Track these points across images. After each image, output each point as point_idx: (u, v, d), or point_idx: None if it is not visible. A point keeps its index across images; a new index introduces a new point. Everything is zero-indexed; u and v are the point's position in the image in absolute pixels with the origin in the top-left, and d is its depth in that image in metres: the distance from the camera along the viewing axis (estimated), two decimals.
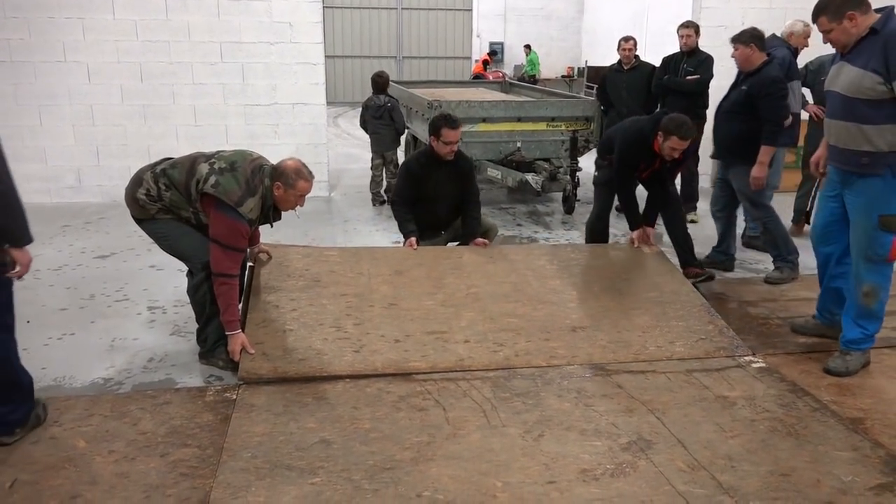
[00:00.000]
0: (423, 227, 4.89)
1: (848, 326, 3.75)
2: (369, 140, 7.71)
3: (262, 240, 4.28)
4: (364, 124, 7.71)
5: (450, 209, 4.99)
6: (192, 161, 3.60)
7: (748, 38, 4.94)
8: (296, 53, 7.60)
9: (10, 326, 2.95)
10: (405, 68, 20.80)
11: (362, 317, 3.95)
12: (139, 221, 3.74)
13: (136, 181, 3.66)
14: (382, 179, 7.73)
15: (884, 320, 3.78)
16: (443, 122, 4.65)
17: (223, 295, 3.54)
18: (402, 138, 8.11)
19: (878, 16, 3.43)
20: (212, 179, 3.46)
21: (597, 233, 5.29)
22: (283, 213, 3.75)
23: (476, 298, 4.20)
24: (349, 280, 4.27)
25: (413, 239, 4.73)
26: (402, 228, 4.85)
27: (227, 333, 3.60)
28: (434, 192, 4.84)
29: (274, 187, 3.57)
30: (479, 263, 4.57)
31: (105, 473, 2.75)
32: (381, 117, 7.48)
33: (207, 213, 3.54)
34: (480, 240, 4.88)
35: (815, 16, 3.55)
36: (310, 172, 3.65)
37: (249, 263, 4.21)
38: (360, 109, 7.79)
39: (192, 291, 3.69)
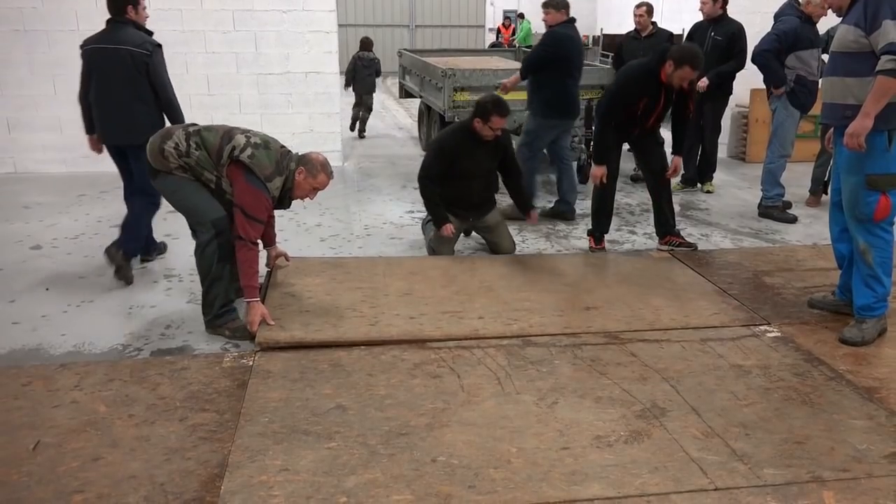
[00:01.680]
0: (452, 202, 4.83)
1: (858, 291, 3.73)
2: (353, 88, 10.02)
3: (280, 242, 4.41)
4: (353, 73, 9.93)
5: (482, 185, 4.94)
6: (228, 129, 3.72)
7: (560, 6, 5.62)
8: (308, 21, 7.53)
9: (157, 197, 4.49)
10: (418, 37, 20.59)
11: (378, 302, 4.02)
12: (154, 175, 3.75)
13: (165, 135, 3.71)
14: (359, 117, 10.13)
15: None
16: (494, 109, 4.56)
17: (246, 260, 3.60)
18: (416, 109, 8.87)
19: None
20: (248, 150, 3.58)
21: (603, 199, 5.15)
22: (293, 200, 3.85)
23: (490, 289, 4.26)
24: (365, 278, 4.39)
25: (449, 225, 4.74)
26: (434, 213, 4.81)
27: (246, 300, 3.64)
28: (469, 168, 4.78)
29: (297, 171, 3.71)
30: (493, 266, 4.68)
31: (126, 437, 2.80)
32: (368, 67, 10.00)
33: (233, 180, 3.62)
34: (535, 214, 5.07)
35: None
36: (332, 171, 3.84)
37: (268, 269, 4.37)
38: (350, 62, 9.99)
39: (200, 250, 3.70)
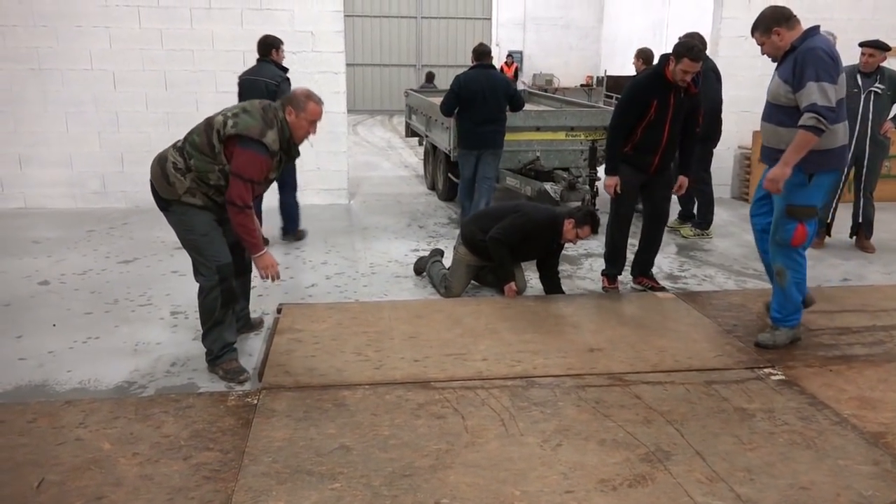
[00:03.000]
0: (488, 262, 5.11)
1: (774, 305, 4.19)
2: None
3: (287, 279, 4.39)
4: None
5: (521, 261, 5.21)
6: (206, 121, 3.68)
7: (477, 52, 6.66)
8: (317, 62, 7.69)
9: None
10: (424, 77, 20.88)
11: (382, 346, 4.05)
12: (167, 206, 3.70)
13: (162, 159, 3.67)
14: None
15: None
16: (591, 221, 4.77)
17: (244, 224, 3.58)
18: (422, 148, 9.34)
19: (803, 31, 3.83)
20: (230, 122, 3.56)
21: (618, 241, 5.17)
22: (300, 148, 3.81)
23: (494, 331, 4.29)
24: (371, 322, 4.41)
25: (513, 284, 4.96)
26: (505, 271, 4.98)
27: (253, 256, 3.67)
28: (528, 251, 5.04)
29: (286, 113, 3.65)
30: (497, 308, 4.72)
31: (129, 475, 2.80)
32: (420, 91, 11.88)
33: (232, 156, 3.56)
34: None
35: (752, 31, 3.99)
36: (319, 98, 3.72)
37: (271, 304, 4.35)
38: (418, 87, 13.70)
39: (203, 294, 3.72)
